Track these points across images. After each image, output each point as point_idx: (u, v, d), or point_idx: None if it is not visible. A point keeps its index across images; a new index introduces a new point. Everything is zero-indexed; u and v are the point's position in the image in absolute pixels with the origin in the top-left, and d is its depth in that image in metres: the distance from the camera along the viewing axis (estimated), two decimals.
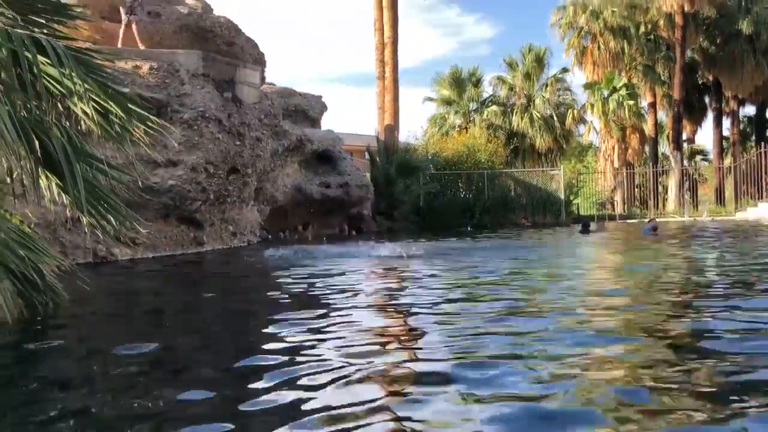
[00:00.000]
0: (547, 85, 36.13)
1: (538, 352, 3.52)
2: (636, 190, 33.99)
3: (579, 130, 36.97)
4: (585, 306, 5.11)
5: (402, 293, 6.40)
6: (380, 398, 2.87)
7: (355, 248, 12.26)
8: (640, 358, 3.45)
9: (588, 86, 33.99)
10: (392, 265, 9.03)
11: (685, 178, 31.16)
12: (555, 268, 8.56)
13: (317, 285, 6.95)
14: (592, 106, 33.43)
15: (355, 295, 6.28)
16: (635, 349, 3.61)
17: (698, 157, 47.22)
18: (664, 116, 40.70)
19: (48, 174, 5.24)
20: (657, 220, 19.25)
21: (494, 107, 35.55)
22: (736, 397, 2.71)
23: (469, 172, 24.41)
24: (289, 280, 7.51)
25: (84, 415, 2.87)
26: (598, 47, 33.88)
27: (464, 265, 8.85)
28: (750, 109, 41.47)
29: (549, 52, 36.05)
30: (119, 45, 12.09)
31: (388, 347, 3.93)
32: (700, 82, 38.51)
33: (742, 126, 42.21)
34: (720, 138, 37.91)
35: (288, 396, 2.90)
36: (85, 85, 4.52)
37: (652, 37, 35.11)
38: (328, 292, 6.40)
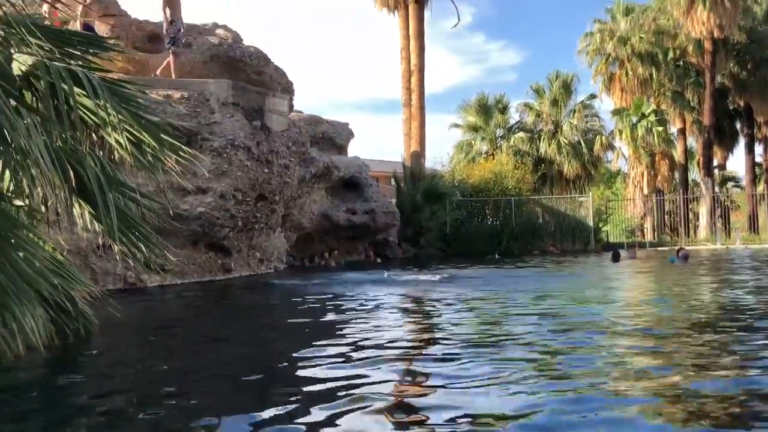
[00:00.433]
0: (574, 112, 35.97)
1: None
2: (666, 217, 33.49)
3: (607, 156, 36.66)
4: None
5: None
6: None
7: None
8: None
9: (616, 112, 33.76)
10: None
11: (716, 205, 30.65)
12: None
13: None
14: (621, 132, 33.16)
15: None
16: None
17: (730, 184, 46.48)
18: (694, 142, 40.21)
19: (81, 202, 5.32)
20: (686, 248, 18.92)
21: (521, 134, 35.46)
22: None
23: (496, 199, 24.30)
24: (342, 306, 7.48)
25: None
26: (626, 73, 33.70)
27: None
28: None
29: (576, 78, 35.96)
30: (158, 74, 12.31)
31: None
32: (730, 108, 38.05)
33: None
34: (752, 164, 37.30)
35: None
36: (119, 116, 4.60)
37: (681, 63, 34.85)
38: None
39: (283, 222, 14.66)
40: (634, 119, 32.64)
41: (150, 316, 7.87)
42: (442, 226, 22.27)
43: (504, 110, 36.35)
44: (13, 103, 4.36)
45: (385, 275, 11.98)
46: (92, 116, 4.68)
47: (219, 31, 14.12)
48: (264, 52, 14.12)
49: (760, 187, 35.90)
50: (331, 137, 18.31)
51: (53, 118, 4.57)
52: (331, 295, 9.12)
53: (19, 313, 4.44)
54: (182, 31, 12.61)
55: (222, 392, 3.84)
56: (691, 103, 35.78)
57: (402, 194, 22.31)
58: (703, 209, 30.81)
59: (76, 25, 10.87)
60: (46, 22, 9.79)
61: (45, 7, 9.03)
